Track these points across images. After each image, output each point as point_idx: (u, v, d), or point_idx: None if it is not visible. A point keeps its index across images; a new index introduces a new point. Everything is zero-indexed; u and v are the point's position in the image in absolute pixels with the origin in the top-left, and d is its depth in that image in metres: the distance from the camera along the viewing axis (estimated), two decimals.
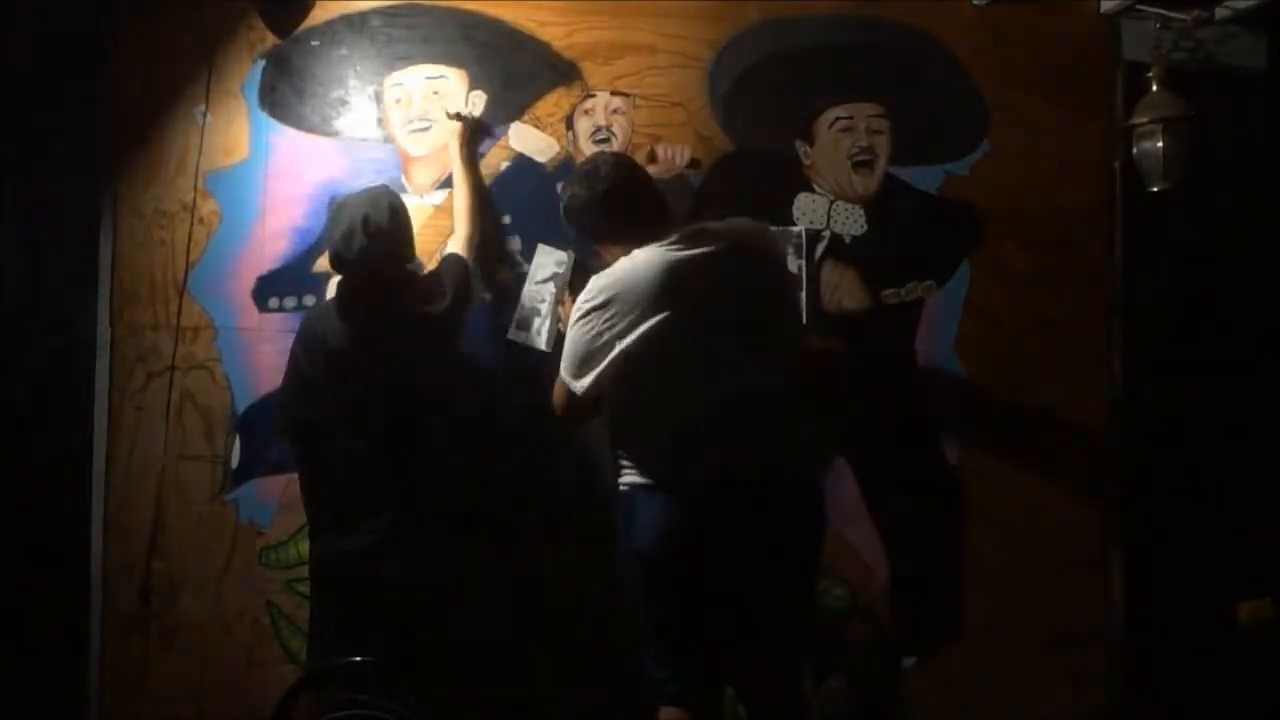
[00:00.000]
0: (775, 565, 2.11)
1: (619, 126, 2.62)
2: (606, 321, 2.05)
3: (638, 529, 2.09)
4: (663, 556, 2.06)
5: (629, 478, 2.12)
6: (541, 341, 2.54)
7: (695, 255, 2.09)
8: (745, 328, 2.10)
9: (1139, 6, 2.61)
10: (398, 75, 2.60)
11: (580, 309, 2.09)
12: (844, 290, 2.63)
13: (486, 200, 2.55)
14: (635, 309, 2.03)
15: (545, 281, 2.57)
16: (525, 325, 2.57)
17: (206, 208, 2.56)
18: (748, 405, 2.08)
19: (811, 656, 2.57)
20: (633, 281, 2.05)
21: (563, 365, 2.12)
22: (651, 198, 2.20)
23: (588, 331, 2.06)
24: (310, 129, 2.59)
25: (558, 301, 2.52)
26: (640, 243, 2.12)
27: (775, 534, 2.10)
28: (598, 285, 2.09)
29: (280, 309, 2.56)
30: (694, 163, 2.61)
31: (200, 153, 2.56)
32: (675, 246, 2.10)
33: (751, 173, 2.63)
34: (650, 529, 2.07)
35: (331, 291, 2.48)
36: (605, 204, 2.15)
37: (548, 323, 2.54)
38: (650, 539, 2.07)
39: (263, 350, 2.54)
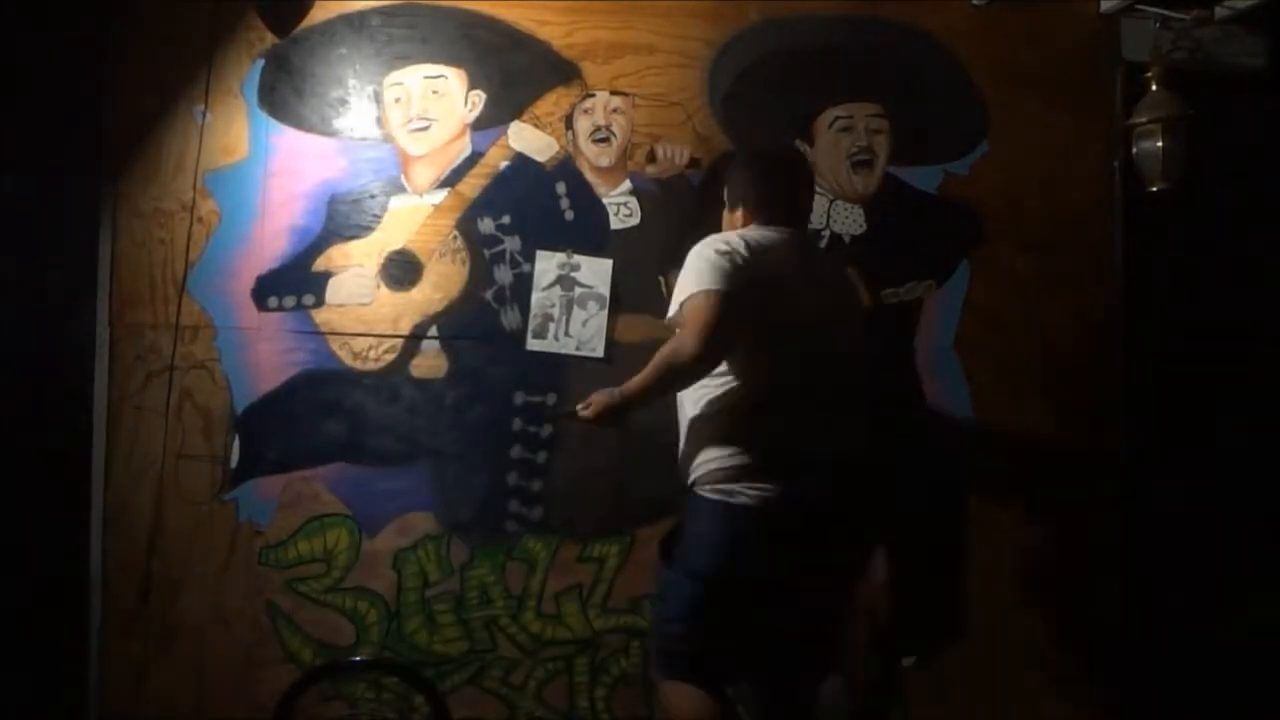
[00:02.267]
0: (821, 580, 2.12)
1: (619, 126, 2.62)
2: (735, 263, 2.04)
3: (705, 543, 2.06)
4: (725, 576, 2.04)
5: (703, 476, 2.09)
6: (561, 345, 2.56)
7: (801, 246, 2.17)
8: (823, 322, 2.13)
9: (1139, 6, 2.61)
10: (397, 75, 2.60)
11: (720, 249, 2.05)
12: None
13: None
14: (751, 265, 2.04)
15: (551, 286, 2.58)
16: (542, 333, 2.57)
17: (206, 207, 2.56)
18: (818, 398, 2.10)
19: (811, 657, 2.57)
20: (755, 246, 2.08)
21: (694, 282, 2.02)
22: (808, 194, 2.29)
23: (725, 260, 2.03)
24: (310, 128, 2.58)
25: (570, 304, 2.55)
26: (776, 221, 2.16)
27: (829, 554, 2.10)
28: (735, 239, 2.09)
29: (280, 308, 2.56)
30: (694, 162, 2.61)
31: (200, 152, 2.55)
32: (790, 233, 2.16)
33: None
34: (718, 548, 2.04)
35: None
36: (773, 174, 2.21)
37: (564, 326, 2.55)
38: (715, 559, 2.05)
39: (262, 350, 2.54)
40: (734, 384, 2.06)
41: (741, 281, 2.01)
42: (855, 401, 2.18)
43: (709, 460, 2.08)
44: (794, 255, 2.14)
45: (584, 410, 2.11)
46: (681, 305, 2.03)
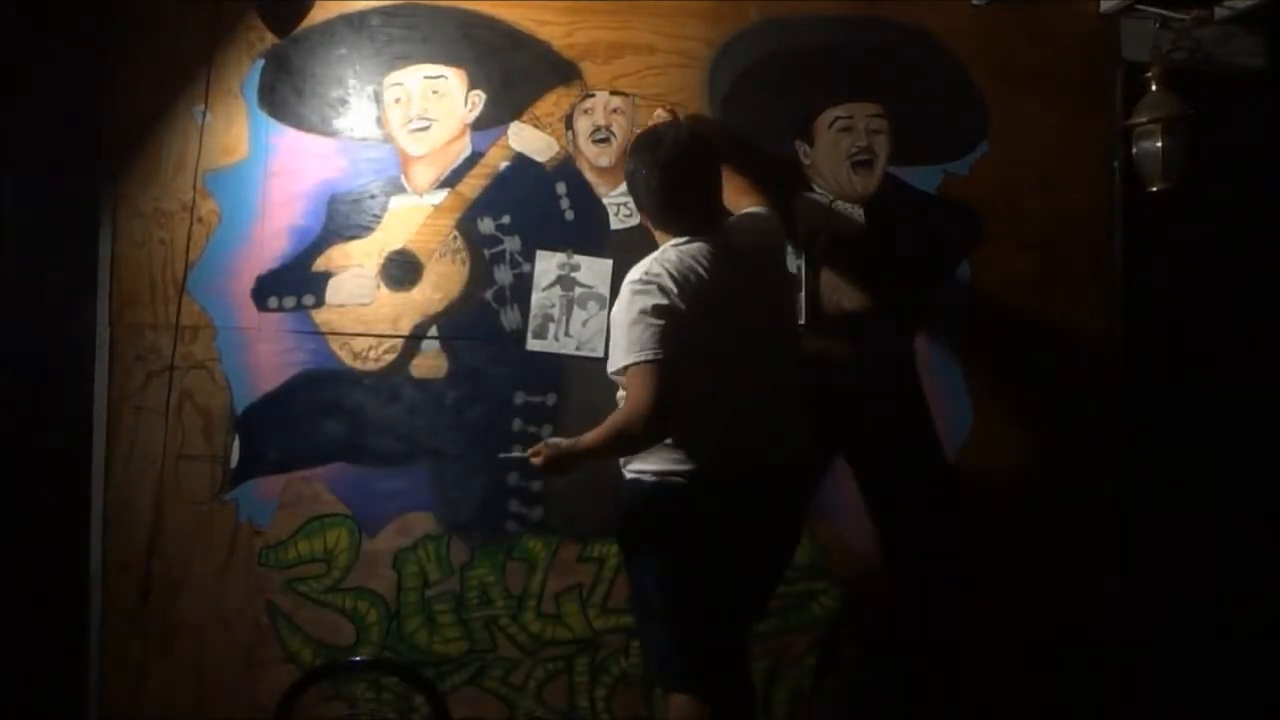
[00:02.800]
0: (768, 556, 2.20)
1: (618, 126, 2.62)
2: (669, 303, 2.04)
3: (645, 519, 2.12)
4: (670, 546, 2.09)
5: (636, 465, 2.14)
6: (561, 345, 2.57)
7: (717, 255, 2.12)
8: (750, 326, 2.13)
9: (1139, 6, 2.61)
10: (397, 75, 2.60)
11: (651, 301, 2.04)
12: (843, 290, 2.63)
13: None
14: (685, 298, 2.04)
15: (551, 286, 2.58)
16: (542, 333, 2.57)
17: (206, 207, 2.56)
18: (750, 401, 2.12)
19: (812, 656, 2.58)
20: (685, 270, 2.07)
21: (633, 348, 2.01)
22: (711, 187, 2.20)
23: (658, 316, 2.02)
24: (310, 129, 2.58)
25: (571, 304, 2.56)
26: (686, 232, 2.15)
27: (772, 528, 2.16)
28: (656, 270, 2.08)
29: (279, 309, 2.56)
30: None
31: (200, 152, 2.55)
32: (704, 245, 2.13)
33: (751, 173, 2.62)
34: (657, 519, 2.11)
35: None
36: (662, 184, 2.14)
37: (564, 326, 2.56)
38: (657, 529, 2.11)
39: (262, 350, 2.54)
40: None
41: (675, 326, 2.01)
42: (796, 401, 2.23)
43: (647, 459, 2.12)
44: (720, 264, 2.11)
45: (534, 458, 2.09)
46: (624, 369, 2.03)
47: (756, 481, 2.11)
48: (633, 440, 2.04)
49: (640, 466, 2.13)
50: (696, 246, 2.12)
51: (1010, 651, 2.62)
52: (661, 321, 2.01)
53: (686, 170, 2.15)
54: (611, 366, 2.09)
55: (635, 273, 2.11)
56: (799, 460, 2.23)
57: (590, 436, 2.05)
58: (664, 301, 2.02)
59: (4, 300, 2.57)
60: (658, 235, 2.22)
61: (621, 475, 2.19)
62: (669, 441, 2.07)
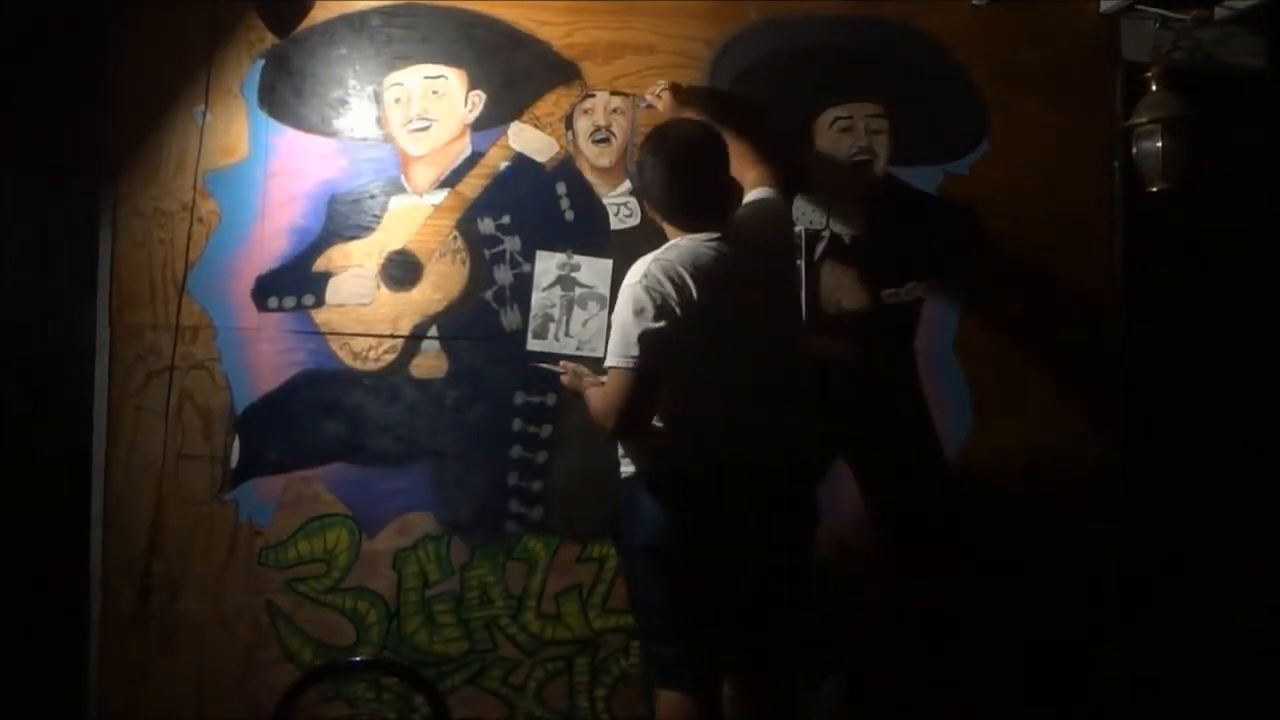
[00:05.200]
0: (769, 559, 2.17)
1: (618, 126, 2.62)
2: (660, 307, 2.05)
3: (640, 516, 2.12)
4: (665, 543, 2.10)
5: (632, 464, 2.15)
6: (562, 345, 2.57)
7: (725, 250, 2.13)
8: (753, 322, 2.14)
9: (1139, 6, 2.61)
10: (397, 75, 2.60)
11: (642, 304, 2.06)
12: (843, 290, 2.64)
13: None
14: (681, 302, 2.06)
15: (551, 286, 2.58)
16: (543, 333, 2.58)
17: (206, 207, 2.56)
18: (751, 398, 2.12)
19: (810, 656, 2.57)
20: (684, 272, 2.08)
21: (619, 348, 2.06)
22: (719, 182, 2.21)
23: (649, 320, 2.04)
24: (310, 129, 2.58)
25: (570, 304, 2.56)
26: (695, 227, 2.16)
27: (771, 527, 2.14)
28: (651, 273, 2.09)
29: (279, 309, 2.56)
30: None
31: (200, 152, 2.55)
32: (712, 239, 2.14)
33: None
34: (653, 517, 2.10)
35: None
36: (670, 177, 2.16)
37: (564, 326, 2.56)
38: (652, 526, 2.10)
39: (262, 350, 2.54)
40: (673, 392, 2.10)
41: (662, 333, 2.03)
42: (799, 403, 2.22)
43: (643, 457, 2.14)
44: (723, 261, 2.12)
45: (563, 375, 2.31)
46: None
47: (753, 481, 2.11)
48: (600, 430, 2.14)
49: (636, 465, 2.14)
50: (700, 244, 2.13)
51: (1010, 651, 2.62)
52: (646, 329, 2.03)
53: (695, 164, 2.16)
54: (608, 358, 2.12)
55: (633, 274, 2.12)
56: (798, 460, 2.23)
57: (589, 395, 2.18)
58: (651, 309, 2.04)
59: (4, 300, 2.57)
60: (667, 230, 2.22)
61: (619, 475, 2.19)
62: (665, 439, 2.09)
